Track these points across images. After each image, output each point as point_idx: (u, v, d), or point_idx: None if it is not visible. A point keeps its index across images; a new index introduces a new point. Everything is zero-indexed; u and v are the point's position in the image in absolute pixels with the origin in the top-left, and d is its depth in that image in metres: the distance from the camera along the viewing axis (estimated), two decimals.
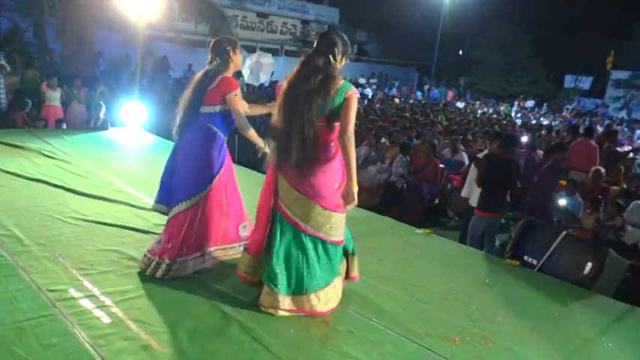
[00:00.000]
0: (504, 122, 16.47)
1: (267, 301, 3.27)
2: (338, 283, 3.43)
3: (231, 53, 3.81)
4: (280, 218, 3.29)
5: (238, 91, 3.77)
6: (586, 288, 4.55)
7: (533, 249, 5.11)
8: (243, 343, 2.97)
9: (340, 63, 3.24)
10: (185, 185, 3.75)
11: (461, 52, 31.00)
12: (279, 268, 3.23)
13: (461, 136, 10.95)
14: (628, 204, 7.17)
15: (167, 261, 3.64)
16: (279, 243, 3.27)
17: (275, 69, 12.98)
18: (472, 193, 6.56)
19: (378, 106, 17.51)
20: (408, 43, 28.81)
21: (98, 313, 3.12)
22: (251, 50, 25.52)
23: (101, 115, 9.27)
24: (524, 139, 10.26)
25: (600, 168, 8.50)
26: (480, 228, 6.12)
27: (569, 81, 28.15)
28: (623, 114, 23.89)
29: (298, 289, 3.26)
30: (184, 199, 3.72)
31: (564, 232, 5.08)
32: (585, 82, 27.60)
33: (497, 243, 6.42)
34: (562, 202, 7.43)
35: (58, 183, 5.48)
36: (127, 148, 8.02)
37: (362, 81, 26.26)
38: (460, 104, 23.49)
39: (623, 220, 6.85)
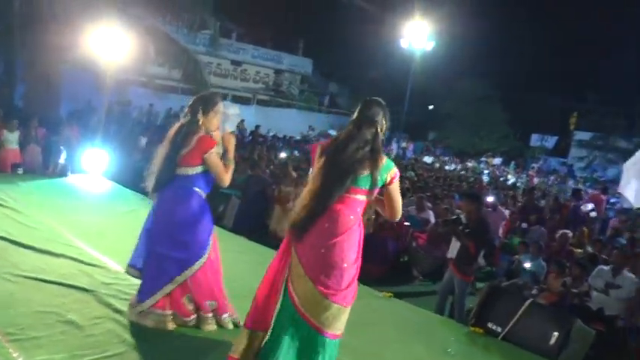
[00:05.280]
0: (472, 179, 16.61)
1: None
2: None
3: (200, 114, 3.68)
4: (285, 293, 3.03)
5: (215, 149, 3.67)
6: (552, 358, 4.40)
7: (498, 316, 4.95)
8: None
9: (383, 135, 3.10)
10: (188, 247, 3.64)
11: (431, 107, 31.51)
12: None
13: (428, 194, 10.91)
14: (592, 268, 7.14)
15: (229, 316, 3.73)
16: (278, 323, 3.01)
17: (242, 118, 12.80)
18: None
19: None
20: (379, 95, 29.10)
21: None
22: (224, 98, 25.71)
23: (61, 161, 8.98)
24: (490, 198, 10.29)
25: (567, 232, 8.53)
26: (449, 286, 6.05)
27: (535, 140, 28.89)
28: (585, 174, 24.50)
29: None
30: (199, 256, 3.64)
31: (530, 300, 4.95)
32: (550, 142, 28.36)
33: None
34: (527, 264, 7.39)
35: (2, 234, 5.12)
36: (83, 196, 7.69)
37: (332, 132, 26.38)
38: (428, 159, 23.73)
39: (588, 285, 6.78)
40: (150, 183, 3.71)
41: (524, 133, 28.82)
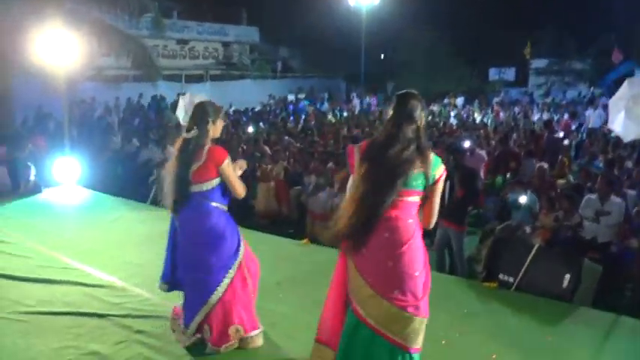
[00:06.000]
0: (441, 125, 16.66)
1: None
2: None
3: (210, 125, 3.51)
4: (351, 315, 2.82)
5: (229, 160, 3.52)
6: (567, 301, 4.50)
7: (508, 266, 5.02)
8: None
9: (424, 130, 2.86)
10: (217, 265, 3.51)
11: (383, 56, 31.29)
12: None
13: None
14: (579, 198, 7.26)
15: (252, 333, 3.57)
16: (349, 347, 2.81)
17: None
18: None
19: (312, 123, 17.32)
20: (331, 53, 28.86)
21: None
22: (177, 79, 25.14)
23: (31, 177, 8.61)
24: (467, 144, 10.34)
25: (543, 164, 8.59)
26: (445, 241, 6.11)
27: (493, 74, 29.09)
28: (547, 100, 24.88)
29: None
30: (224, 277, 3.51)
31: (537, 246, 5.02)
32: (509, 74, 28.63)
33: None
34: (523, 199, 7.37)
35: None
36: (65, 211, 7.42)
37: (291, 97, 26.13)
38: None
39: (580, 216, 6.92)
40: (167, 204, 3.56)
41: (482, 70, 29.00)
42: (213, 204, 3.51)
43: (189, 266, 3.54)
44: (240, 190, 3.54)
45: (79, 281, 4.69)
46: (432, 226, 2.88)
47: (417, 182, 2.72)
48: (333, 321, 2.92)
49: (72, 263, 5.19)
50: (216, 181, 3.49)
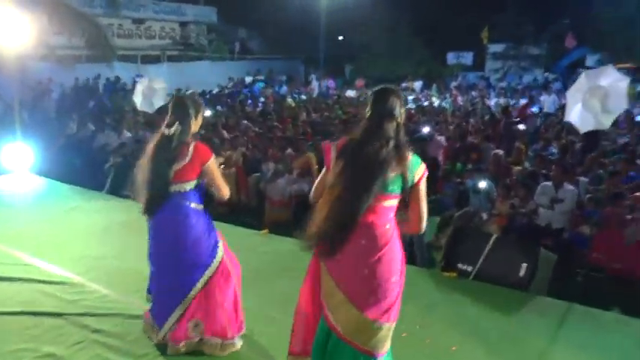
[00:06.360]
0: None
1: None
2: None
3: (193, 120, 3.36)
4: (323, 322, 2.73)
5: (214, 157, 3.38)
6: (524, 290, 4.63)
7: (467, 255, 5.12)
8: None
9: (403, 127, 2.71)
10: (193, 269, 3.37)
11: (341, 38, 31.13)
12: None
13: None
14: (534, 185, 7.44)
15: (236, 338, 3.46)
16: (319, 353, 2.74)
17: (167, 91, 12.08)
18: None
19: (271, 107, 17.17)
20: (290, 35, 28.61)
21: None
22: (133, 59, 24.48)
23: None
24: (426, 129, 10.45)
25: (499, 151, 8.72)
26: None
27: (451, 58, 29.38)
28: (503, 84, 25.35)
29: None
30: (201, 275, 3.38)
31: (494, 236, 5.13)
32: (467, 58, 28.96)
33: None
34: (482, 184, 7.44)
35: None
36: (16, 201, 7.14)
37: (249, 80, 25.83)
38: (351, 92, 23.66)
39: (535, 203, 7.09)
40: (141, 203, 3.35)
41: (441, 54, 29.25)
42: (192, 205, 3.36)
43: (165, 269, 3.40)
44: (225, 190, 3.40)
45: (32, 277, 4.54)
46: (422, 230, 2.73)
47: (394, 186, 2.58)
48: (307, 329, 2.84)
49: (24, 258, 5.00)
50: (196, 182, 3.36)
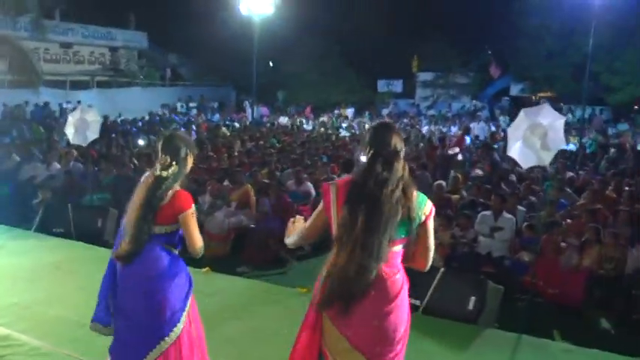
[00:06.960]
0: (334, 138, 16.89)
1: None
2: None
3: (188, 159, 3.12)
4: None
5: (193, 208, 3.10)
6: (473, 323, 4.67)
7: (415, 289, 5.10)
8: None
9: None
10: (172, 308, 3.07)
11: (271, 64, 31.20)
12: None
13: (304, 164, 10.81)
14: (474, 213, 7.62)
15: None
16: None
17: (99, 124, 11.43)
18: None
19: (205, 135, 16.87)
20: (221, 61, 28.42)
21: None
22: (61, 85, 23.56)
23: None
24: (363, 158, 10.49)
25: (441, 182, 8.94)
26: None
27: (382, 85, 30.17)
28: (433, 111, 26.27)
29: None
30: (178, 320, 3.09)
31: (442, 270, 5.17)
32: (397, 85, 29.81)
33: None
34: None
35: None
36: None
37: (180, 107, 25.46)
38: (283, 119, 23.76)
39: (475, 232, 7.25)
40: (123, 249, 3.03)
41: (372, 81, 29.96)
42: (172, 250, 3.12)
43: (136, 312, 3.07)
44: (199, 244, 3.10)
45: None
46: (428, 267, 2.60)
47: (401, 229, 2.42)
48: None
49: None
50: (176, 226, 3.09)
